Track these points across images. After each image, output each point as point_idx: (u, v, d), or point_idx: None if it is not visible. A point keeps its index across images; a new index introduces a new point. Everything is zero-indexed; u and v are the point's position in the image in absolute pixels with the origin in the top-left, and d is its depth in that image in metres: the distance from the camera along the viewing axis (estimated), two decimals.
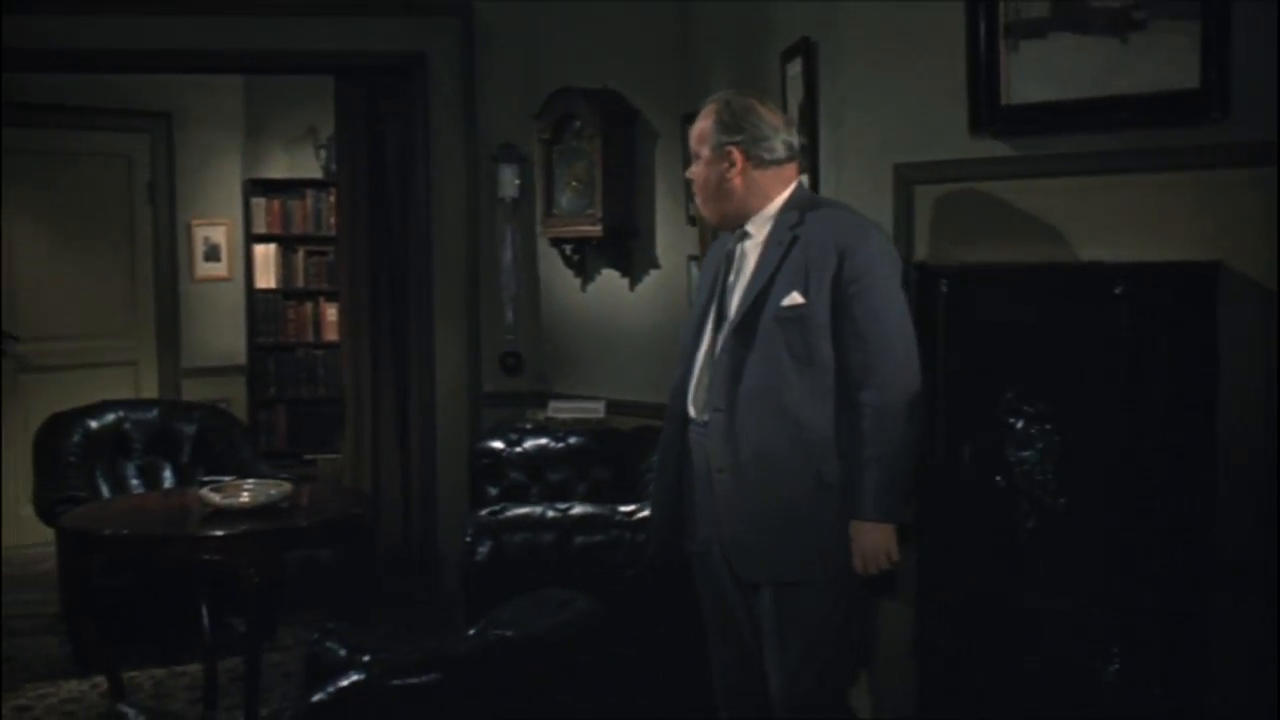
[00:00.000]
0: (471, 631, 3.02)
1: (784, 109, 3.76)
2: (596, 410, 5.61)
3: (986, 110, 3.09)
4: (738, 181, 3.11)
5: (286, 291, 8.44)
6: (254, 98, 8.24)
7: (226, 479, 4.67)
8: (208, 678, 4.78)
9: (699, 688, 3.53)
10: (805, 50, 3.52)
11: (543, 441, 5.30)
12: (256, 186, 8.35)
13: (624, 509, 4.05)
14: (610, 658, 3.61)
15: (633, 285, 5.70)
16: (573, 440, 5.28)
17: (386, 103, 6.31)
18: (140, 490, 5.72)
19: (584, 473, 5.23)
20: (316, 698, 2.56)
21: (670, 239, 5.51)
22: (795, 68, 3.61)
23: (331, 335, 8.39)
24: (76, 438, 5.72)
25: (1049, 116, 3.01)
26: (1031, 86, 3.03)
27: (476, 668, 2.77)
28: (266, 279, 8.39)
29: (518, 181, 5.96)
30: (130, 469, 5.84)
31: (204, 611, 4.79)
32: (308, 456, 8.16)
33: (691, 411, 3.20)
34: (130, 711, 2.79)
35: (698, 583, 3.31)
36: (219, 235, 8.18)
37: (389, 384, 6.40)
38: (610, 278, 5.78)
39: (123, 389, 7.23)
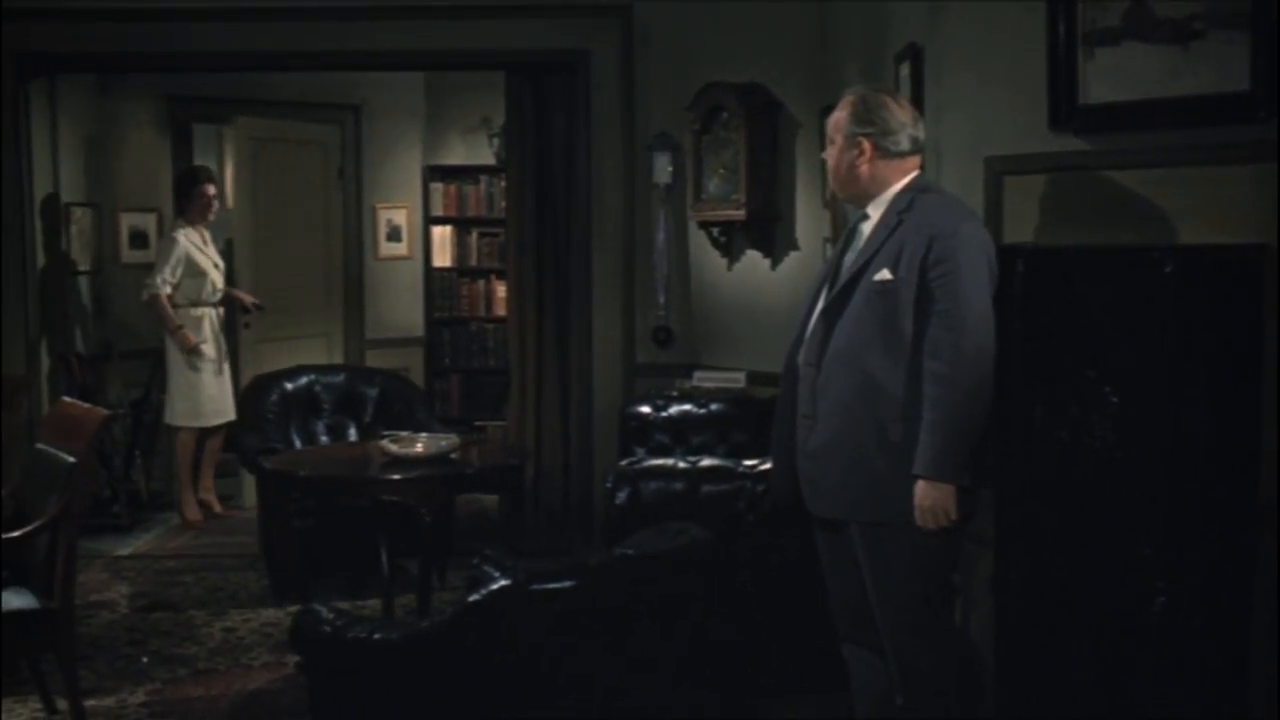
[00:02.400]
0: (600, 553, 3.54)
1: None
2: (738, 380, 6.07)
3: (1065, 109, 3.47)
4: (865, 169, 3.42)
5: (461, 270, 9.11)
6: (433, 91, 8.91)
7: (403, 433, 5.28)
8: (385, 610, 5.40)
9: (806, 619, 3.99)
10: (913, 54, 3.93)
11: (687, 407, 5.79)
12: (435, 172, 9.03)
13: (748, 463, 4.53)
14: (729, 591, 4.11)
15: (774, 265, 6.14)
16: (714, 407, 5.76)
17: (552, 96, 6.85)
18: (328, 445, 6.41)
19: (723, 436, 5.69)
20: (472, 598, 3.10)
21: (808, 222, 5.94)
22: (905, 69, 4.03)
23: (501, 311, 9.00)
24: (275, 397, 6.44)
25: (1120, 115, 3.38)
26: (1105, 88, 3.40)
27: (604, 577, 3.27)
28: (443, 258, 9.07)
29: (670, 168, 6.44)
30: (320, 426, 6.53)
31: (382, 552, 5.41)
32: (478, 423, 8.82)
33: (799, 363, 3.55)
34: (322, 610, 3.36)
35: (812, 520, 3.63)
36: (400, 217, 8.88)
37: (552, 355, 6.94)
38: (753, 258, 6.24)
39: (315, 359, 7.96)
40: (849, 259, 3.49)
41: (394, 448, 4.95)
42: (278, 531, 5.47)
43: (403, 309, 8.95)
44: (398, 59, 6.99)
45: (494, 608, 3.07)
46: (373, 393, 6.61)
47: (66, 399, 5.03)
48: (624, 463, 4.64)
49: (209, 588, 6.23)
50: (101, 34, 6.48)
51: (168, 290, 7.29)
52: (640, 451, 5.71)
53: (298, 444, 6.32)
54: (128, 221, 7.99)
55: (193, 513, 7.47)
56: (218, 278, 7.51)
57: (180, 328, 7.28)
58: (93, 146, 7.79)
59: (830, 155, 3.52)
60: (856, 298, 3.38)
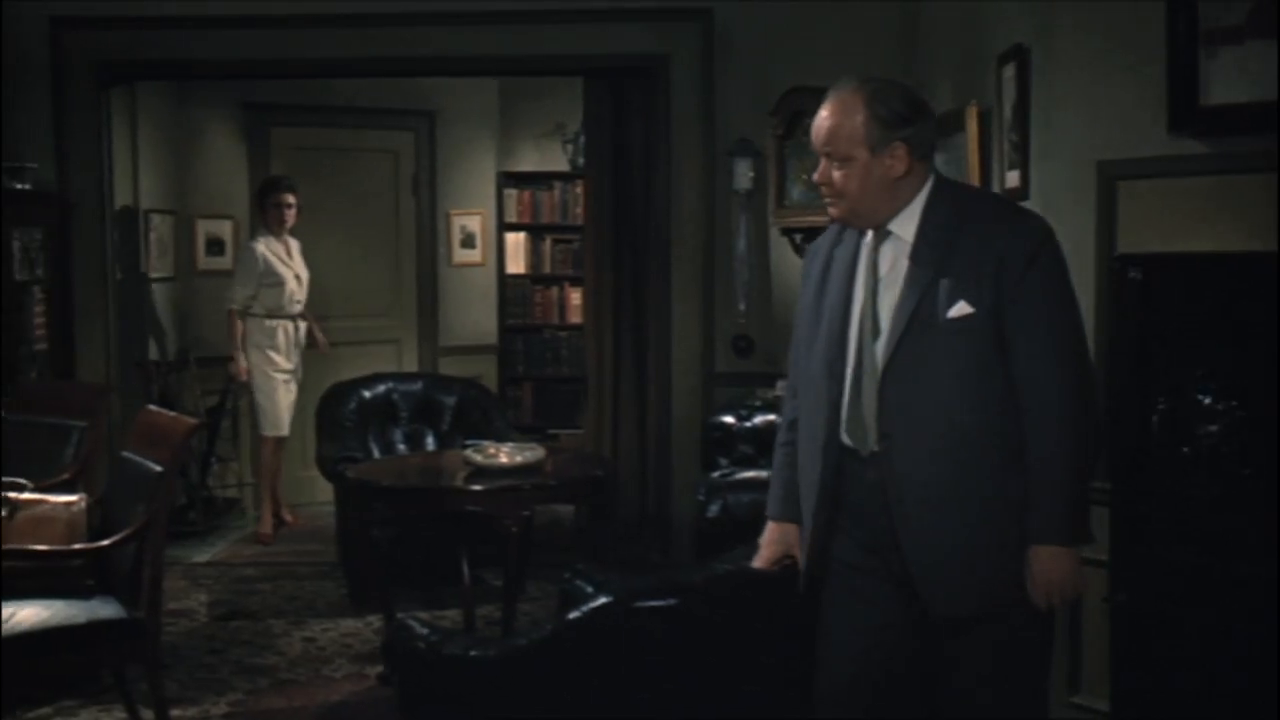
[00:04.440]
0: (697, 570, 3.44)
1: (999, 109, 4.06)
2: None
3: (1185, 111, 3.34)
4: (901, 180, 2.76)
5: (535, 276, 9.07)
6: (507, 97, 8.87)
7: (486, 442, 5.22)
8: (466, 621, 5.34)
9: None
10: (1019, 55, 3.81)
11: (770, 417, 5.67)
12: (509, 179, 9.00)
13: None
14: None
15: None
16: None
17: (630, 101, 6.78)
18: (406, 453, 6.36)
19: None
20: (572, 615, 3.02)
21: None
22: (1009, 71, 3.91)
23: (575, 318, 8.97)
24: (352, 405, 6.40)
25: (1242, 117, 3.25)
26: (1227, 89, 3.27)
27: (708, 595, 3.18)
28: (517, 265, 9.04)
29: (751, 174, 6.34)
30: (397, 434, 6.49)
31: (464, 562, 5.34)
32: (551, 431, 8.76)
33: (848, 441, 2.84)
34: (415, 624, 3.30)
35: (835, 608, 2.97)
36: (474, 224, 8.84)
37: (629, 363, 6.86)
38: None
39: (387, 365, 7.92)
40: (884, 291, 2.79)
41: (478, 458, 4.89)
42: (358, 541, 5.41)
43: (476, 316, 8.90)
44: (474, 64, 6.93)
45: (595, 625, 2.99)
46: (450, 401, 6.56)
47: (151, 407, 5.00)
48: (715, 474, 4.55)
49: (286, 596, 6.20)
50: (180, 41, 6.47)
51: (246, 303, 7.26)
52: (724, 462, 5.62)
53: (375, 452, 6.28)
54: (204, 229, 8.00)
55: (265, 526, 7.40)
56: (298, 289, 7.43)
57: (233, 357, 7.27)
58: (171, 153, 7.81)
59: (838, 179, 2.78)
60: (929, 341, 2.73)
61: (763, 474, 4.50)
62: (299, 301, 7.44)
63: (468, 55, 6.65)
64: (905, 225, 2.78)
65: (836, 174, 2.80)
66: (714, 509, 4.28)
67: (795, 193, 6.13)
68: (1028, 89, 3.78)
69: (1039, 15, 3.74)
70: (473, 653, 3.11)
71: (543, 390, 9.08)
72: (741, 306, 6.45)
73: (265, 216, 7.38)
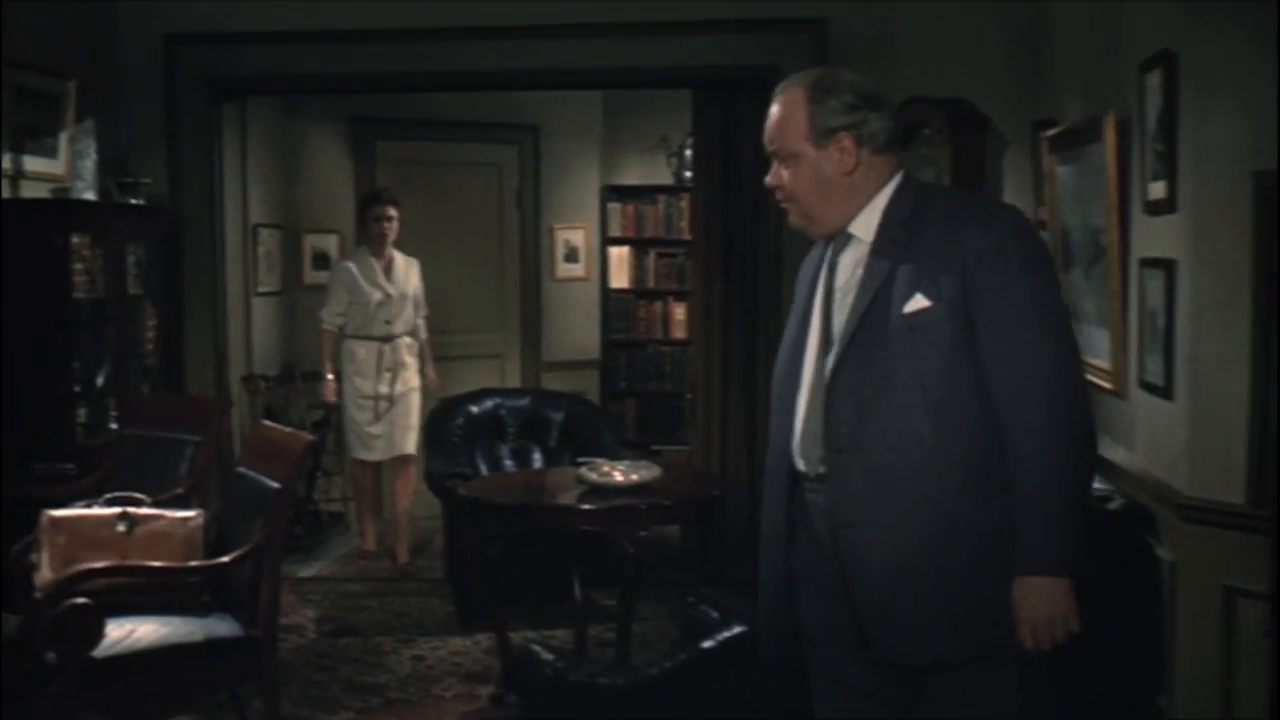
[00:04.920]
0: None
1: (1141, 118, 3.89)
2: None
3: None
4: (851, 178, 2.54)
5: (638, 291, 8.99)
6: (611, 110, 8.81)
7: (599, 460, 5.13)
8: (577, 642, 5.25)
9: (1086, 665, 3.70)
10: (1165, 61, 3.64)
11: None
12: (612, 192, 8.92)
13: None
14: None
15: None
16: None
17: (740, 113, 6.67)
18: (513, 469, 6.30)
19: None
20: (706, 644, 2.91)
21: None
22: (1154, 79, 3.74)
23: (679, 333, 8.89)
24: (460, 420, 6.35)
25: None
26: None
27: None
28: (620, 279, 8.96)
29: None
30: (504, 450, 6.43)
31: (575, 582, 5.25)
32: (654, 447, 8.66)
33: (801, 465, 2.59)
34: (540, 649, 3.21)
35: (811, 678, 2.71)
36: (578, 238, 8.78)
37: (738, 379, 6.75)
38: None
39: (490, 380, 7.88)
40: (844, 297, 2.56)
41: (593, 476, 4.80)
42: (469, 559, 5.35)
43: (579, 331, 8.84)
44: (580, 78, 6.87)
45: (729, 655, 2.88)
46: (558, 417, 6.49)
47: (266, 422, 4.98)
48: None
49: (394, 613, 6.16)
50: (289, 56, 6.49)
51: (338, 322, 7.04)
52: None
53: (483, 468, 6.23)
54: (311, 243, 8.03)
55: (369, 543, 7.26)
56: (396, 309, 7.04)
57: (326, 379, 7.04)
58: (279, 168, 7.85)
59: (787, 178, 2.60)
60: (883, 344, 2.47)
61: None
62: (388, 322, 7.02)
63: (574, 69, 6.59)
64: (865, 226, 2.57)
65: (785, 174, 2.61)
66: None
67: None
68: (1175, 96, 3.61)
69: (1185, 19, 3.57)
70: (602, 680, 3.03)
71: (645, 405, 8.98)
72: None
73: (366, 230, 7.12)
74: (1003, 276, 2.43)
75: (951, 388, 2.44)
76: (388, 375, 7.02)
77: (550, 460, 6.31)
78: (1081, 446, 2.47)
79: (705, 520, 5.01)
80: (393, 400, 7.01)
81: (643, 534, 4.64)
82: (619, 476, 4.81)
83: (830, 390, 2.50)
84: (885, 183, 2.57)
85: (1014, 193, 5.65)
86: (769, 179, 2.66)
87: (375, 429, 7.01)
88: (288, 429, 4.52)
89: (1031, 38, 5.63)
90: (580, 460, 5.17)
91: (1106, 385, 4.22)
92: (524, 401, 6.57)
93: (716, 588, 3.72)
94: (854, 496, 2.46)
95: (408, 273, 7.15)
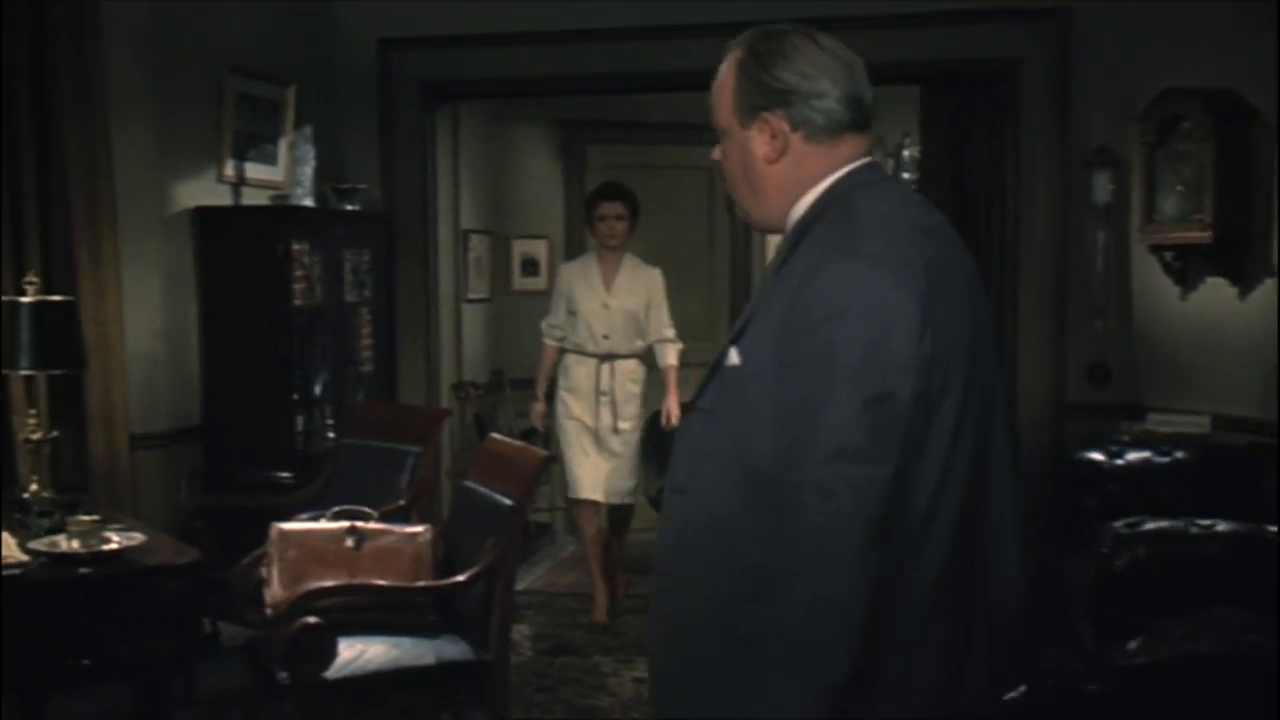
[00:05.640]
0: (1133, 644, 2.96)
1: None
2: (1201, 425, 5.35)
3: None
4: (776, 165, 2.02)
5: None
6: None
7: None
8: None
9: None
10: None
11: (1145, 455, 5.12)
12: None
13: (1272, 529, 3.84)
14: None
15: (1243, 294, 5.37)
16: (1179, 454, 5.07)
17: (972, 110, 6.31)
18: None
19: (1191, 490, 4.99)
20: (1009, 695, 2.59)
21: None
22: None
23: None
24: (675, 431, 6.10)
25: None
26: None
27: (1146, 681, 2.72)
28: None
29: (1112, 187, 5.80)
30: None
31: None
32: None
33: None
34: None
35: None
36: None
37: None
38: (1216, 286, 5.49)
39: None
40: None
41: None
42: None
43: None
44: None
45: (1036, 710, 2.56)
46: None
47: (496, 436, 4.81)
48: (1120, 524, 4.02)
49: (612, 632, 5.95)
50: (501, 58, 6.38)
51: (557, 335, 6.22)
52: (1091, 503, 5.09)
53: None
54: (520, 249, 7.92)
55: (599, 613, 6.10)
56: (616, 323, 6.16)
57: (534, 402, 6.30)
58: (488, 172, 7.76)
59: (719, 156, 2.12)
60: (710, 399, 2.00)
61: (1178, 524, 3.99)
62: (606, 337, 6.14)
63: None
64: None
65: (717, 152, 2.12)
66: (1120, 563, 3.76)
67: (1168, 206, 5.54)
68: None
69: None
70: None
71: None
72: (1098, 330, 5.90)
73: (592, 231, 6.32)
74: (798, 353, 1.84)
75: (740, 460, 1.87)
76: (605, 401, 6.12)
77: None
78: (817, 615, 1.76)
79: None
80: (611, 433, 6.12)
81: None
82: None
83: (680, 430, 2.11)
84: (823, 178, 2.01)
85: None
86: (713, 153, 2.15)
87: (588, 462, 6.11)
88: (519, 443, 4.35)
89: None
90: None
91: None
92: None
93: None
94: (665, 544, 2.04)
95: (636, 283, 6.23)
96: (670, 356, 6.25)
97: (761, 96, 2.00)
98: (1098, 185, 5.81)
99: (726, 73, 2.06)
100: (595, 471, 6.10)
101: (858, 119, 2.03)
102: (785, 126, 1.99)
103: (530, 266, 7.90)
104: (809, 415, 1.78)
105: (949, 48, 6.07)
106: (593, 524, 6.17)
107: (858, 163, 2.03)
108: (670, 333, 6.28)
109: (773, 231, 2.11)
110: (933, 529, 1.85)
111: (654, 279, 6.30)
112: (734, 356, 1.93)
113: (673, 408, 6.09)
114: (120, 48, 4.98)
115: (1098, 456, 5.18)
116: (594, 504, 6.14)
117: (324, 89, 6.30)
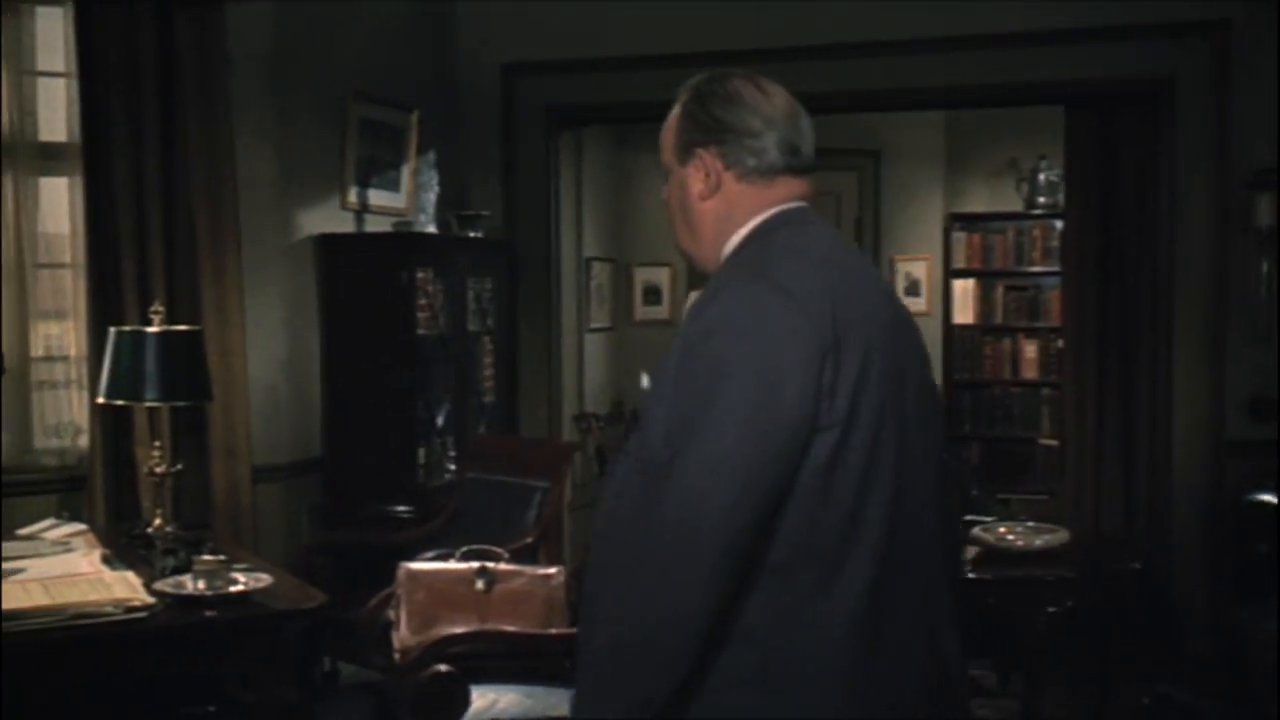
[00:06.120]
0: None
1: None
2: None
3: None
4: (713, 204, 2.05)
5: (984, 327, 8.34)
6: (954, 132, 8.24)
7: (988, 519, 4.55)
8: None
9: None
10: None
11: None
12: (957, 220, 8.31)
13: None
14: None
15: None
16: None
17: (1120, 131, 6.00)
18: None
19: None
20: None
21: None
22: None
23: (1029, 372, 8.22)
24: None
25: None
26: None
27: None
28: (965, 314, 8.34)
29: (1275, 210, 5.45)
30: None
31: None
32: (1000, 496, 7.97)
33: None
34: None
35: None
36: (920, 270, 8.22)
37: (1113, 426, 6.06)
38: None
39: None
40: None
41: (988, 538, 4.22)
42: None
43: None
44: (930, 97, 6.32)
45: None
46: None
47: None
48: None
49: None
50: (624, 83, 6.21)
51: None
52: (1262, 548, 4.74)
53: None
54: (642, 276, 7.74)
55: None
56: None
57: None
58: (610, 198, 7.61)
59: (665, 193, 2.16)
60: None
61: None
62: None
63: (922, 87, 6.05)
64: None
65: (665, 193, 2.15)
66: None
67: None
68: None
69: None
70: None
71: (990, 450, 8.29)
72: (1262, 362, 5.54)
73: None
74: (686, 381, 1.83)
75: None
76: None
77: None
78: (655, 640, 1.79)
79: (1118, 597, 4.34)
80: None
81: (1052, 610, 4.03)
82: (1019, 541, 4.21)
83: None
84: (753, 217, 2.03)
85: None
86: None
87: None
88: None
89: None
90: (966, 519, 4.60)
91: None
92: None
93: (1172, 680, 3.10)
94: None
95: None
96: None
97: (698, 133, 2.05)
98: (1259, 209, 5.47)
99: (673, 114, 2.11)
100: None
101: (794, 164, 2.05)
102: (719, 165, 2.03)
103: (652, 295, 7.72)
104: (694, 425, 1.78)
105: (1097, 65, 5.77)
106: None
107: (789, 205, 2.04)
108: None
109: (711, 270, 2.09)
110: (848, 559, 1.82)
111: None
112: (645, 381, 1.91)
113: None
114: (245, 76, 4.92)
115: (1269, 498, 4.82)
116: None
117: (448, 114, 6.18)
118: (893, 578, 1.86)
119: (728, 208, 2.04)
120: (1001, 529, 4.32)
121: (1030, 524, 4.42)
